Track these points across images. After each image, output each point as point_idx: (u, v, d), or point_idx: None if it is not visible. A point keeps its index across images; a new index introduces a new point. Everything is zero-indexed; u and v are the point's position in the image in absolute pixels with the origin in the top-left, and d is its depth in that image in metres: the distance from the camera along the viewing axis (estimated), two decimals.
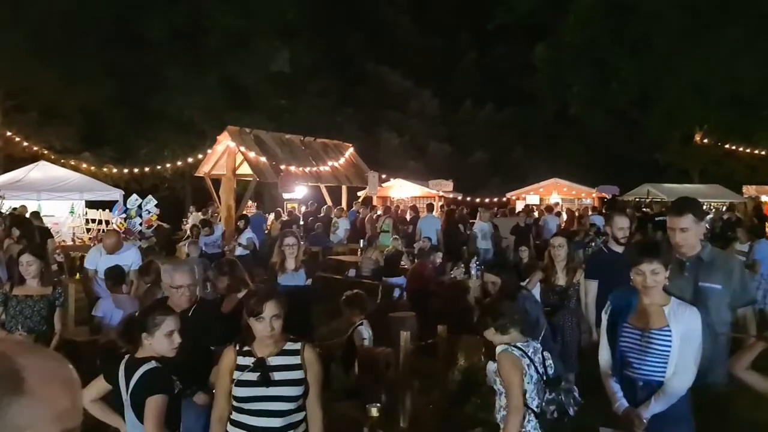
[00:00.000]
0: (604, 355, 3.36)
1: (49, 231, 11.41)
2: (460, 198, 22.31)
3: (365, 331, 4.90)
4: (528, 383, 3.08)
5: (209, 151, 18.43)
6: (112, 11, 20.65)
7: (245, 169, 17.41)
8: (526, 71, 28.22)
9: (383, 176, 21.31)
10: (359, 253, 13.42)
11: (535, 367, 3.14)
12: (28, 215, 12.03)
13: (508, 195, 22.59)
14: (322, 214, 17.80)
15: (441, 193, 21.36)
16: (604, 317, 3.38)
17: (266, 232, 17.16)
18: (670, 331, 3.09)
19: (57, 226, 16.21)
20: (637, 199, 22.90)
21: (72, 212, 17.07)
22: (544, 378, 3.16)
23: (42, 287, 4.75)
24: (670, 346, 3.08)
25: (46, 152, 19.91)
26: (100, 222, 16.75)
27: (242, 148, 17.00)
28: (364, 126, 28.89)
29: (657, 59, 24.19)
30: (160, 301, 3.75)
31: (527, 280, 5.46)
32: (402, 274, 10.11)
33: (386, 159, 26.42)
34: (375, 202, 20.88)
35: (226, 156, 17.55)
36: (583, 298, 5.00)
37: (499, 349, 3.16)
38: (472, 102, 31.40)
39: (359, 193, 20.67)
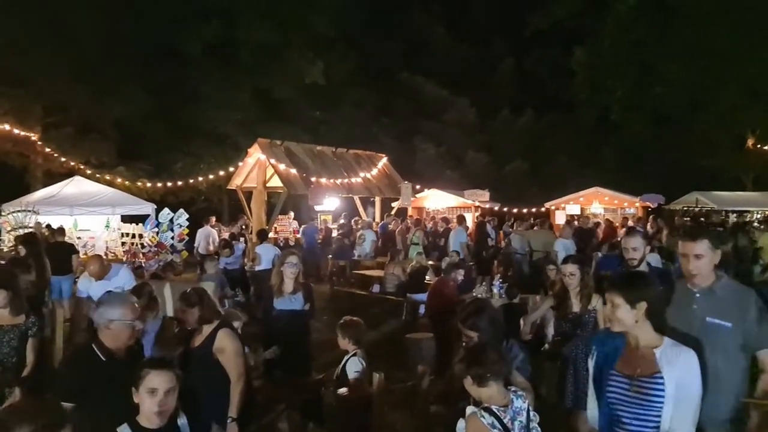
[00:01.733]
0: (591, 410, 2.88)
1: (74, 246, 11.40)
2: (496, 208, 21.70)
3: (357, 363, 4.50)
4: None
5: (240, 163, 18.43)
6: (146, 28, 20.92)
7: (276, 182, 17.33)
8: (565, 77, 27.40)
9: (417, 187, 20.92)
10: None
11: None
12: (48, 231, 12.09)
13: (547, 205, 21.82)
14: (354, 227, 17.54)
15: (477, 203, 20.82)
16: (591, 363, 2.90)
17: (318, 241, 16.95)
18: (662, 377, 2.61)
19: (93, 240, 16.43)
20: (685, 208, 21.82)
21: (107, 226, 17.22)
22: None
23: (12, 317, 4.49)
24: (663, 396, 2.60)
25: (82, 167, 20.27)
26: (133, 236, 16.87)
27: (272, 161, 16.92)
28: (399, 136, 28.58)
29: (707, 61, 23.04)
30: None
31: (536, 308, 4.97)
32: (427, 290, 9.69)
33: (422, 169, 26.02)
34: (410, 213, 20.53)
35: (257, 168, 17.52)
36: (601, 325, 4.48)
37: (468, 410, 2.73)
38: (510, 110, 30.71)
39: (393, 204, 20.37)
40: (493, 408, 2.73)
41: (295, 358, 5.27)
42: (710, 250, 3.04)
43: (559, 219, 19.71)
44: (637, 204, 20.52)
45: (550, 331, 5.62)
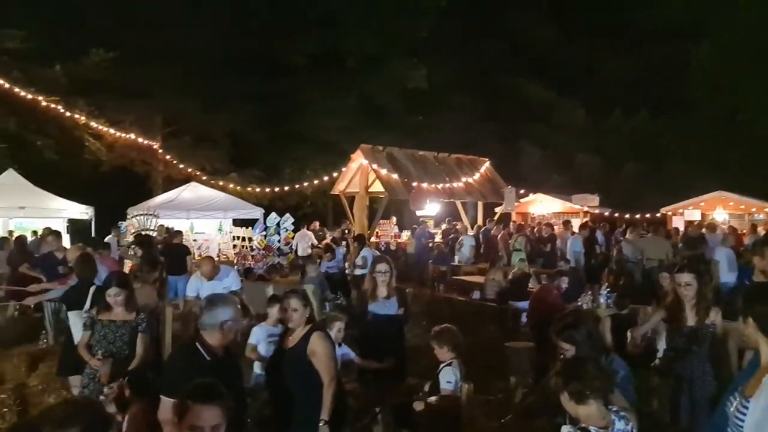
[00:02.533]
0: None
1: (188, 249, 12.08)
2: (606, 214, 20.64)
3: (451, 373, 4.35)
4: None
5: (344, 169, 18.77)
6: (253, 42, 21.96)
7: (378, 187, 17.48)
8: (683, 75, 25.63)
9: (521, 191, 20.35)
10: None
11: None
12: (167, 233, 12.84)
13: (664, 210, 20.47)
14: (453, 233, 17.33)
15: (586, 209, 19.93)
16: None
17: (430, 245, 16.94)
18: (749, 403, 2.27)
19: (207, 242, 17.35)
20: None
21: (220, 230, 18.12)
22: None
23: (126, 313, 4.85)
24: (742, 425, 2.27)
25: (198, 173, 21.49)
26: (243, 239, 17.61)
27: (374, 166, 17.09)
28: (503, 140, 27.95)
29: None
30: None
31: (646, 320, 4.58)
32: (529, 298, 9.35)
33: (527, 173, 25.29)
34: (514, 218, 20.02)
35: (360, 174, 17.76)
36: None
37: (564, 429, 2.53)
38: (623, 110, 29.17)
39: (496, 209, 19.95)
40: (591, 429, 2.50)
41: (389, 359, 5.21)
42: None
43: (677, 225, 18.44)
44: None
45: (662, 345, 5.19)
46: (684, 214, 19.79)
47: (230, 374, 3.45)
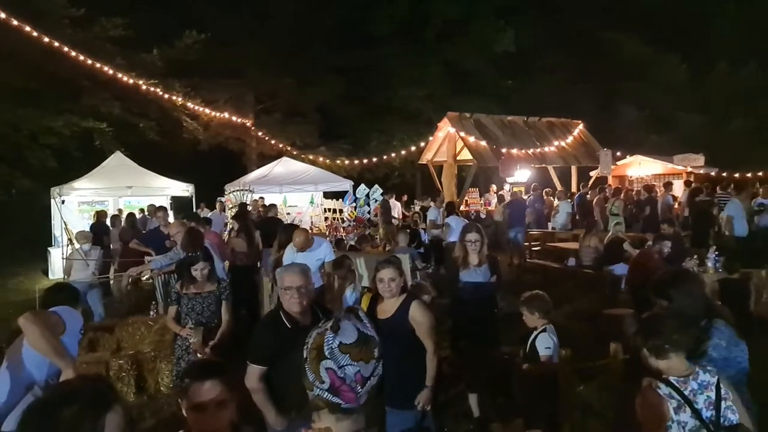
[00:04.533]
0: None
1: (281, 221, 12.43)
2: (713, 174, 19.34)
3: (548, 339, 4.24)
4: None
5: (431, 138, 18.62)
6: (338, 14, 22.01)
7: (466, 155, 17.24)
8: None
9: (618, 154, 19.42)
10: None
11: (694, 410, 2.34)
12: (262, 207, 13.26)
13: None
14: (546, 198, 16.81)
15: (689, 169, 18.78)
16: None
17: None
18: None
19: (300, 215, 17.80)
20: None
21: (311, 202, 18.54)
22: (711, 427, 2.36)
23: (209, 284, 5.11)
24: None
25: (289, 148, 22.03)
26: (334, 211, 17.92)
27: (462, 134, 16.85)
28: (597, 101, 26.66)
29: None
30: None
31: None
32: (626, 263, 8.97)
33: (623, 135, 24.03)
34: (610, 181, 19.19)
35: (447, 142, 17.59)
36: None
37: (644, 381, 2.47)
38: (729, 62, 26.99)
39: (591, 173, 19.18)
40: (672, 379, 2.44)
41: (482, 329, 5.15)
42: None
43: None
44: None
45: None
46: None
47: None
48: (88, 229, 11.87)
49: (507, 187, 19.23)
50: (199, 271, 5.01)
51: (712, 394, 2.41)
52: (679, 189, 16.73)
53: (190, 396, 2.28)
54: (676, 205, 15.24)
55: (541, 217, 15.65)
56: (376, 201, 18.17)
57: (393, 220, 14.92)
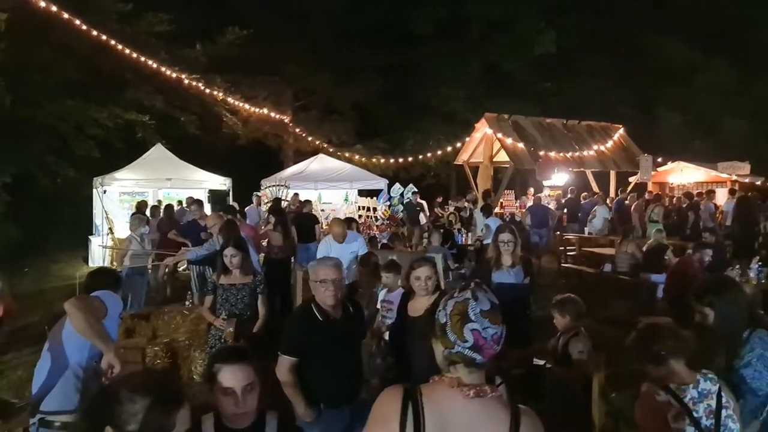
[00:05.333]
0: None
1: (317, 218, 12.55)
2: (758, 183, 18.78)
3: (581, 343, 4.18)
4: None
5: (467, 139, 18.52)
6: (378, 13, 22.04)
7: (503, 156, 17.11)
8: None
9: (658, 159, 19.02)
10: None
11: (693, 419, 2.33)
12: (298, 203, 13.38)
13: None
14: (583, 202, 16.56)
15: (734, 177, 18.28)
16: None
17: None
18: None
19: (334, 212, 17.89)
20: None
21: (346, 200, 18.62)
22: None
23: (243, 276, 5.09)
24: None
25: (325, 146, 22.16)
26: (368, 209, 17.97)
27: (499, 135, 16.72)
28: (639, 105, 26.13)
29: None
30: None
31: None
32: (664, 271, 8.79)
33: (665, 140, 23.51)
34: (650, 187, 18.81)
35: (484, 143, 17.48)
36: None
37: (643, 387, 2.51)
38: None
39: (630, 179, 18.83)
40: (671, 386, 2.43)
41: (514, 331, 5.07)
42: None
43: None
44: None
45: None
46: None
47: (343, 335, 3.50)
48: (128, 219, 12.14)
49: (546, 192, 18.97)
50: (229, 258, 5.03)
51: (713, 403, 2.39)
52: (722, 197, 16.30)
53: (219, 379, 2.32)
54: (718, 214, 14.87)
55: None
56: (410, 200, 18.18)
57: (422, 221, 14.89)
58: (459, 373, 1.81)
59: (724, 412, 2.39)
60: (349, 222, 8.70)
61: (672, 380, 2.46)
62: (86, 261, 15.01)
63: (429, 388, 1.82)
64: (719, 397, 2.41)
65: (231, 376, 2.31)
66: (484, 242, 11.03)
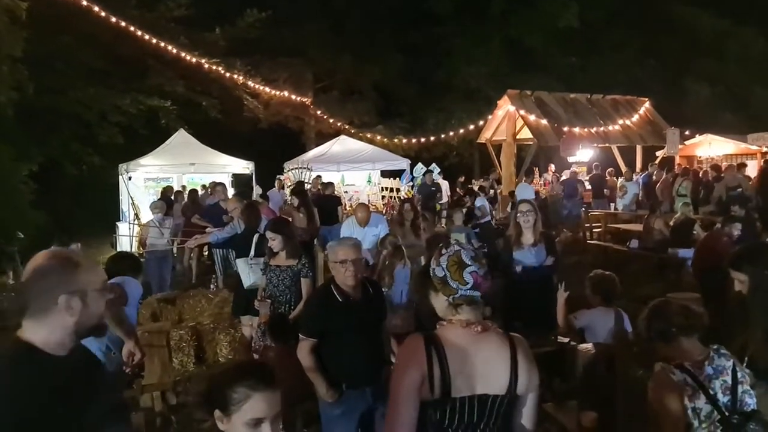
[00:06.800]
0: None
1: (339, 199, 12.54)
2: None
3: (613, 321, 4.12)
4: (693, 419, 2.27)
5: (490, 117, 18.29)
6: None
7: (526, 133, 16.89)
8: None
9: (686, 133, 18.58)
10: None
11: (709, 396, 2.26)
12: (321, 185, 13.38)
13: None
14: (608, 177, 16.30)
15: (765, 149, 17.79)
16: None
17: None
18: None
19: (357, 193, 17.89)
20: None
21: (369, 181, 18.58)
22: (726, 413, 2.27)
23: (288, 259, 5.02)
24: None
25: (347, 127, 22.09)
26: (391, 189, 17.90)
27: (522, 112, 16.49)
28: (666, 78, 25.51)
29: None
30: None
31: None
32: (693, 246, 8.60)
33: (693, 113, 22.94)
34: (678, 161, 18.42)
35: (507, 121, 17.25)
36: None
37: (656, 366, 2.39)
38: None
39: (657, 153, 18.44)
40: (686, 364, 2.35)
41: (537, 310, 5.00)
42: None
43: None
44: None
45: None
46: None
47: (362, 315, 3.47)
48: None
49: (571, 168, 18.71)
50: (269, 241, 5.02)
51: (728, 379, 2.33)
52: (753, 170, 15.89)
53: (246, 409, 1.82)
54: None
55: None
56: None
57: (440, 200, 14.78)
58: (464, 314, 2.04)
59: (740, 388, 2.33)
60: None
61: (684, 358, 2.39)
62: (114, 246, 15.22)
63: (442, 331, 2.05)
64: (734, 372, 2.34)
65: (265, 406, 1.83)
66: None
